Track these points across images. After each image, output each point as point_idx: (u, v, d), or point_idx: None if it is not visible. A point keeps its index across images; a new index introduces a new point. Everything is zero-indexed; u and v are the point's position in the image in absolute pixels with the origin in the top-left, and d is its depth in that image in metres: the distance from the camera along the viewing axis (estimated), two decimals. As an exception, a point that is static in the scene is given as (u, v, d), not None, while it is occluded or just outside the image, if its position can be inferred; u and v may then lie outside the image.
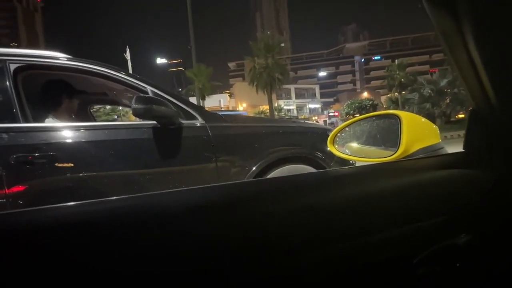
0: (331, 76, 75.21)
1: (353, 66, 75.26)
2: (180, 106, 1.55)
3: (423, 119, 0.67)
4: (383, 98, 35.09)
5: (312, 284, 0.38)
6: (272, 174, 1.65)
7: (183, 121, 1.53)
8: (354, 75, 75.62)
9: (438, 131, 0.64)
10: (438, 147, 0.62)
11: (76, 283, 0.29)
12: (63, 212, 0.35)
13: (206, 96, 24.28)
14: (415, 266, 0.44)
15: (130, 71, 14.25)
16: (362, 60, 72.11)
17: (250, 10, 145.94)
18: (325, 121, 39.91)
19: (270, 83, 22.19)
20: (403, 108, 20.76)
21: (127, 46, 13.57)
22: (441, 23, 0.52)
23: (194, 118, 1.57)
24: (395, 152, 0.61)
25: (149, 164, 1.46)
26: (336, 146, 0.76)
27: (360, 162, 0.67)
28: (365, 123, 0.75)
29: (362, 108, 21.85)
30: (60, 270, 0.29)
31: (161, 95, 1.53)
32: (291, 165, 1.70)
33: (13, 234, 0.31)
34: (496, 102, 0.49)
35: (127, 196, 0.37)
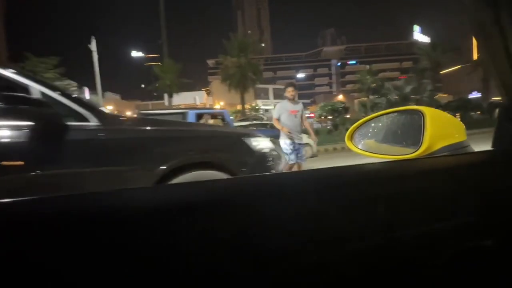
0: (309, 77, 76.83)
1: (330, 69, 77.51)
2: (71, 107, 1.45)
3: (448, 115, 0.64)
4: (356, 102, 36.50)
5: (340, 278, 0.37)
6: (176, 181, 1.59)
7: (73, 123, 1.44)
8: (330, 78, 77.90)
9: (464, 128, 0.62)
10: (464, 145, 0.59)
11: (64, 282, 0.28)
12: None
13: (177, 93, 23.37)
14: (439, 266, 0.42)
15: (96, 63, 13.47)
16: (338, 64, 74.45)
17: (231, 8, 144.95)
18: (300, 122, 40.63)
19: (243, 82, 22.10)
20: (371, 112, 21.84)
21: (92, 36, 12.76)
22: (478, 13, 0.50)
23: (86, 120, 1.47)
24: (417, 150, 0.58)
25: (27, 167, 1.33)
26: (355, 142, 0.72)
27: (379, 159, 0.63)
28: (385, 119, 0.72)
29: (334, 110, 22.76)
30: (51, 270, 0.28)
31: (47, 95, 1.42)
32: (198, 171, 1.64)
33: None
34: None
35: (114, 189, 0.35)
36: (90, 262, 0.29)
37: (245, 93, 22.54)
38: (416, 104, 21.03)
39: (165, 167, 1.56)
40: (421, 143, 0.58)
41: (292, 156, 3.50)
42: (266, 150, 1.98)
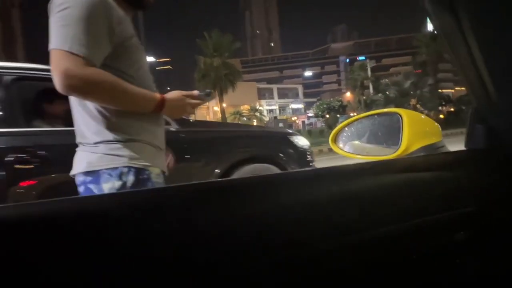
0: (316, 75, 75.16)
1: (338, 66, 75.37)
2: None
3: (424, 117, 0.67)
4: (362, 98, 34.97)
5: (312, 278, 0.38)
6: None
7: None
8: (339, 76, 75.77)
9: (440, 129, 0.64)
10: (440, 145, 0.62)
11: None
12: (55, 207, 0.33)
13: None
14: (413, 262, 0.45)
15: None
16: (347, 60, 72.26)
17: (239, 9, 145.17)
18: (303, 122, 39.65)
19: (219, 83, 21.19)
20: (369, 109, 20.69)
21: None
22: (442, 22, 0.52)
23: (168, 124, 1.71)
24: (397, 150, 0.61)
25: None
26: (339, 144, 0.75)
27: (360, 160, 0.66)
28: (367, 121, 0.75)
29: (330, 109, 21.72)
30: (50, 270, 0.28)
31: None
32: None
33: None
34: (497, 99, 0.50)
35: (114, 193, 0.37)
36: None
37: (225, 94, 21.77)
38: (417, 100, 19.63)
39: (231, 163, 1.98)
40: (400, 144, 0.61)
41: None
42: None
